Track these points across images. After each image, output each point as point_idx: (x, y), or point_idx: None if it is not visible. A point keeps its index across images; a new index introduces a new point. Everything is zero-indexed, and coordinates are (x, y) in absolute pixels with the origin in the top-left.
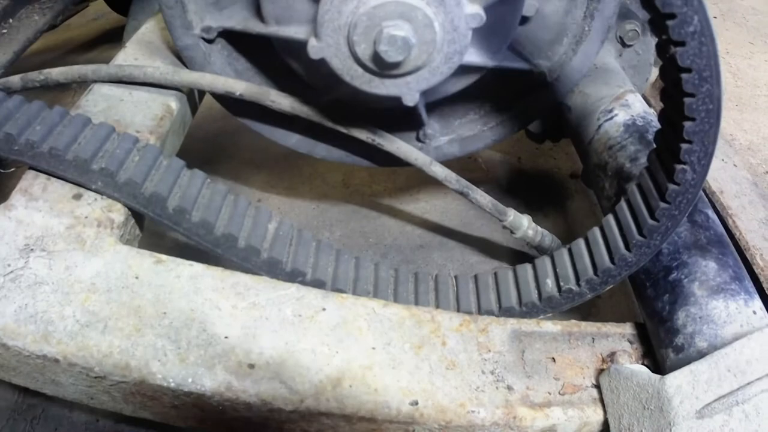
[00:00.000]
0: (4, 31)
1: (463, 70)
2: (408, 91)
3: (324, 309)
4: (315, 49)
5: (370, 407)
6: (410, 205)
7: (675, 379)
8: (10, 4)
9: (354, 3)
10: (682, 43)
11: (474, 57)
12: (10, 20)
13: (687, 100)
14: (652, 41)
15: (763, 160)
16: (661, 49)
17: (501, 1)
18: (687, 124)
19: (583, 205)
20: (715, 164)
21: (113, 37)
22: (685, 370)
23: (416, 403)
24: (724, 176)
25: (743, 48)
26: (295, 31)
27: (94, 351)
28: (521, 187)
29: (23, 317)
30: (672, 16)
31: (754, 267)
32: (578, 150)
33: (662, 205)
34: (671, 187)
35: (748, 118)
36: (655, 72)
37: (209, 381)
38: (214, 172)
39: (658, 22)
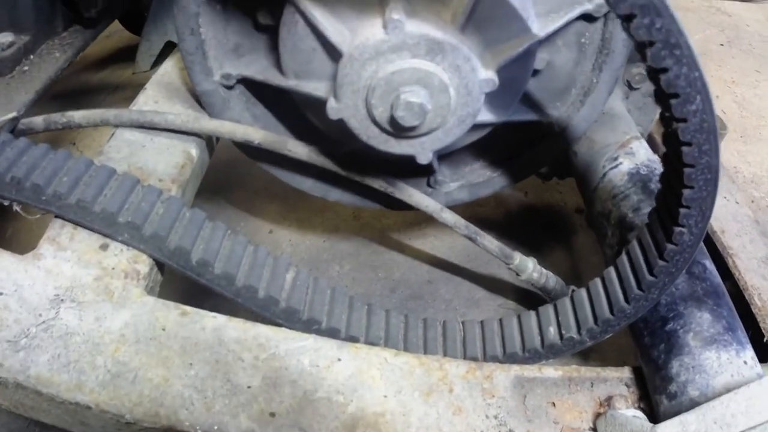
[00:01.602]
0: (26, 68)
1: (475, 127)
2: (422, 150)
3: (339, 359)
4: (334, 110)
5: None
6: (419, 240)
7: (666, 429)
8: (31, 40)
9: (373, 68)
10: (684, 120)
11: (485, 116)
12: (31, 56)
13: (687, 170)
14: None
15: (766, 193)
16: (665, 123)
17: (513, 61)
18: (686, 191)
19: (588, 240)
20: (718, 202)
21: (126, 56)
22: (675, 420)
23: None
24: (726, 215)
25: (749, 76)
26: (314, 87)
27: (125, 400)
28: (528, 221)
29: (56, 367)
30: (675, 95)
31: (752, 307)
32: (583, 195)
33: (660, 263)
34: (669, 246)
35: (752, 150)
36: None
37: (234, 429)
38: (226, 201)
39: (662, 100)
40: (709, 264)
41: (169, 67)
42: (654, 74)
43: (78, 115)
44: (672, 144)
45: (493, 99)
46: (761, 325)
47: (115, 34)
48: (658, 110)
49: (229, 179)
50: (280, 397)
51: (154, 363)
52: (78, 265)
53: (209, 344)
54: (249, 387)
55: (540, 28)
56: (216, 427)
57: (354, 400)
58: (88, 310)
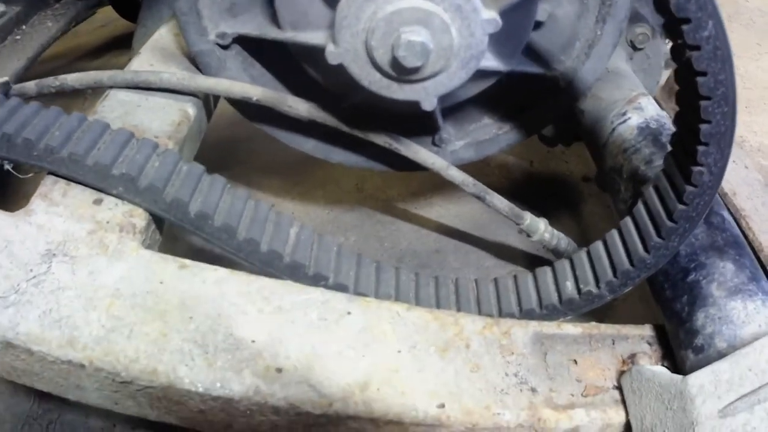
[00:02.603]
0: (18, 37)
1: (479, 74)
2: (426, 96)
3: (349, 313)
4: (333, 55)
5: (398, 410)
6: (425, 210)
7: (697, 379)
8: (22, 10)
9: (372, 8)
10: (697, 47)
11: (490, 62)
12: (23, 26)
13: (703, 103)
14: (662, 44)
15: None
16: (676, 53)
17: (516, 6)
18: (703, 126)
19: (596, 209)
20: (728, 167)
21: (122, 44)
22: (707, 369)
23: (443, 406)
24: (737, 178)
25: (751, 50)
26: (312, 36)
27: (121, 356)
28: (534, 191)
29: (47, 322)
30: (687, 20)
31: None
32: (592, 154)
33: (680, 207)
34: (689, 189)
35: (757, 120)
36: (665, 74)
37: (237, 385)
38: (229, 177)
39: (672, 27)
40: (727, 215)
41: (164, 33)
42: (661, 0)
43: (71, 78)
44: (686, 76)
45: (496, 44)
46: None
47: (111, 23)
48: (664, 73)
49: (230, 156)
50: (286, 351)
51: (150, 317)
52: (71, 220)
53: (210, 297)
54: (253, 341)
55: None
56: (219, 384)
57: (366, 355)
58: (81, 264)
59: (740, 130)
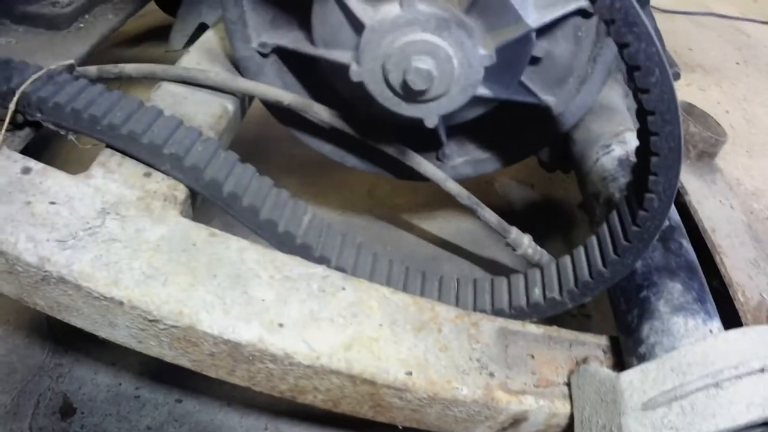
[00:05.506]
0: (81, 25)
1: (478, 100)
2: (429, 114)
3: (344, 288)
4: (356, 73)
5: (372, 371)
6: (427, 221)
7: (628, 376)
8: (87, 1)
9: (390, 38)
10: (647, 91)
11: (487, 90)
12: (86, 16)
13: (653, 138)
14: None
15: (766, 205)
16: (634, 95)
17: (509, 45)
18: (653, 158)
19: (587, 235)
20: (713, 205)
21: (158, 35)
22: (638, 368)
23: (411, 374)
24: (719, 216)
25: (762, 95)
26: (340, 55)
27: (155, 298)
28: (531, 213)
29: (98, 265)
30: (638, 68)
31: (736, 302)
32: (578, 179)
33: (634, 228)
34: (641, 213)
35: (757, 165)
36: None
37: (246, 332)
38: None
39: (629, 74)
40: (686, 243)
41: (210, 36)
42: (620, 50)
43: (129, 67)
44: (640, 116)
45: (493, 76)
46: (743, 320)
47: (149, 14)
48: None
49: (255, 154)
50: (289, 311)
51: (182, 271)
52: (124, 186)
53: (232, 261)
54: (263, 300)
55: (536, 19)
56: (231, 329)
57: (352, 324)
58: (129, 222)
59: (737, 173)
